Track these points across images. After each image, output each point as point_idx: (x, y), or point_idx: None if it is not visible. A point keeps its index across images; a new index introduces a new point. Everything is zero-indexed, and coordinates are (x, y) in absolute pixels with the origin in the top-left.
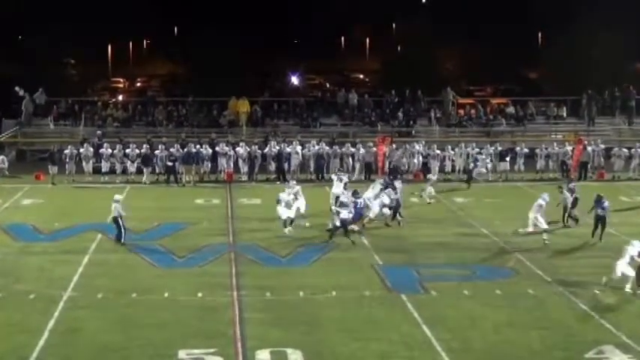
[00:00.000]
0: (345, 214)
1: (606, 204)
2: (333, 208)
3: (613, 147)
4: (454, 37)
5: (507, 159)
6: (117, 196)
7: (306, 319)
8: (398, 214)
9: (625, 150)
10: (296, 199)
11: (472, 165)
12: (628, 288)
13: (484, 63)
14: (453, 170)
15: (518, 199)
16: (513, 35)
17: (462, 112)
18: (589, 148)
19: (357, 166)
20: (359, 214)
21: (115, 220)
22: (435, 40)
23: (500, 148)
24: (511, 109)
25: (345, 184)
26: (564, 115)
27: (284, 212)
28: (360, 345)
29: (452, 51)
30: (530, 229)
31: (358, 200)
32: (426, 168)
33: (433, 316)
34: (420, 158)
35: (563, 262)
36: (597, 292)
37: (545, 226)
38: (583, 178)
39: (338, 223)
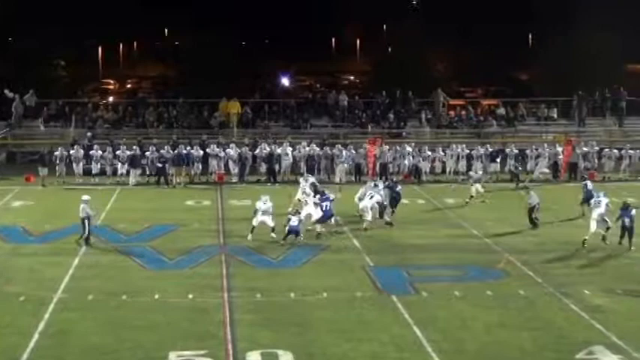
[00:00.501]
0: (295, 221)
1: (633, 212)
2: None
3: (604, 148)
4: (445, 38)
5: (498, 160)
6: (84, 197)
7: (297, 320)
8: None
9: (615, 151)
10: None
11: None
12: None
13: (475, 64)
14: (444, 172)
15: (509, 200)
16: (504, 36)
17: (452, 113)
18: (583, 149)
19: (340, 167)
20: (327, 216)
21: (83, 220)
22: (426, 41)
23: (490, 150)
24: (501, 111)
25: (312, 184)
26: (555, 116)
27: (256, 220)
28: (351, 346)
29: (442, 52)
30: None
31: (326, 202)
32: (416, 169)
33: (424, 317)
34: (411, 159)
35: (554, 263)
36: (587, 292)
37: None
38: (573, 178)
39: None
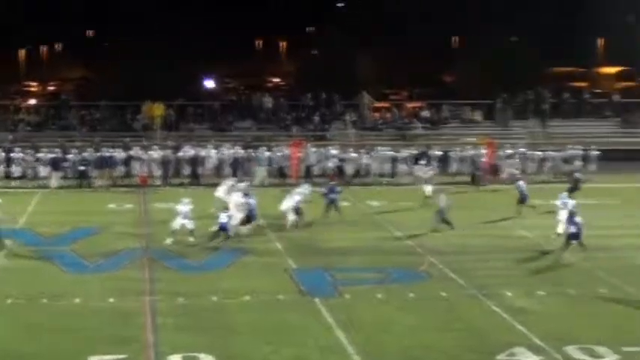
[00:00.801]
0: (224, 217)
1: (578, 219)
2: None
3: (527, 150)
4: (370, 40)
5: (422, 162)
6: None
7: (219, 323)
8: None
9: (539, 153)
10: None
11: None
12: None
13: (400, 67)
14: (368, 174)
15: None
16: (429, 39)
17: (377, 115)
18: (506, 151)
19: (260, 170)
20: (251, 218)
21: None
22: (351, 43)
23: (415, 152)
24: (426, 113)
25: (232, 186)
26: (479, 118)
27: (177, 223)
28: (273, 349)
29: (368, 54)
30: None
31: (250, 201)
32: (340, 172)
33: (347, 320)
34: (336, 162)
35: (476, 265)
36: (509, 294)
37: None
38: (496, 181)
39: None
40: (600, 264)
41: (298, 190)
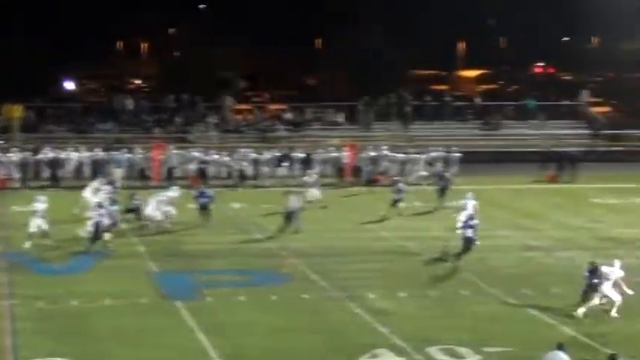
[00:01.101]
0: (97, 216)
1: (475, 222)
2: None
3: (388, 153)
4: (233, 42)
5: (285, 164)
6: None
7: (80, 328)
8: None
9: (401, 155)
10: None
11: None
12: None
13: (264, 69)
14: (230, 176)
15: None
16: (293, 41)
17: (239, 117)
18: (369, 154)
19: (118, 171)
20: (112, 222)
21: None
22: (213, 45)
23: (277, 154)
24: (289, 115)
25: (97, 189)
26: (341, 120)
27: (33, 226)
28: (134, 353)
29: (231, 56)
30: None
31: (109, 209)
32: (202, 174)
33: (209, 323)
34: (198, 164)
35: (339, 267)
36: (372, 296)
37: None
38: (358, 183)
39: (91, 228)
40: (462, 265)
41: (168, 193)
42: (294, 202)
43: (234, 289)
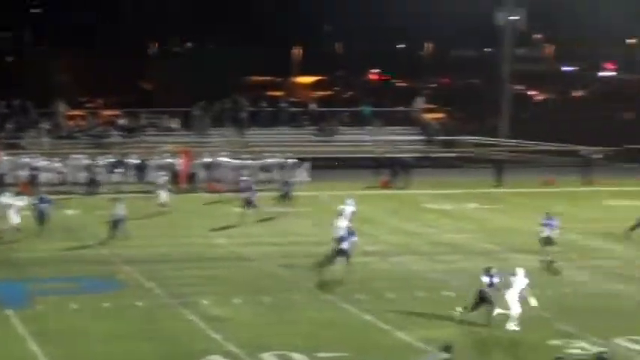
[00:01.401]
0: None
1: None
2: None
3: (223, 159)
4: (66, 47)
5: (119, 170)
6: None
7: None
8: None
9: (236, 161)
10: None
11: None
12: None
13: (96, 74)
14: (63, 183)
15: (129, 210)
16: (127, 47)
17: (72, 123)
18: (204, 160)
19: None
20: None
21: None
22: (46, 49)
23: (111, 160)
24: (123, 121)
25: None
26: (176, 126)
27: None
28: None
29: (63, 61)
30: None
31: None
32: (34, 180)
33: (40, 331)
34: (29, 170)
35: (173, 274)
36: (206, 302)
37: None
38: (193, 189)
39: None
40: (296, 272)
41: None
42: (119, 209)
43: (67, 296)
